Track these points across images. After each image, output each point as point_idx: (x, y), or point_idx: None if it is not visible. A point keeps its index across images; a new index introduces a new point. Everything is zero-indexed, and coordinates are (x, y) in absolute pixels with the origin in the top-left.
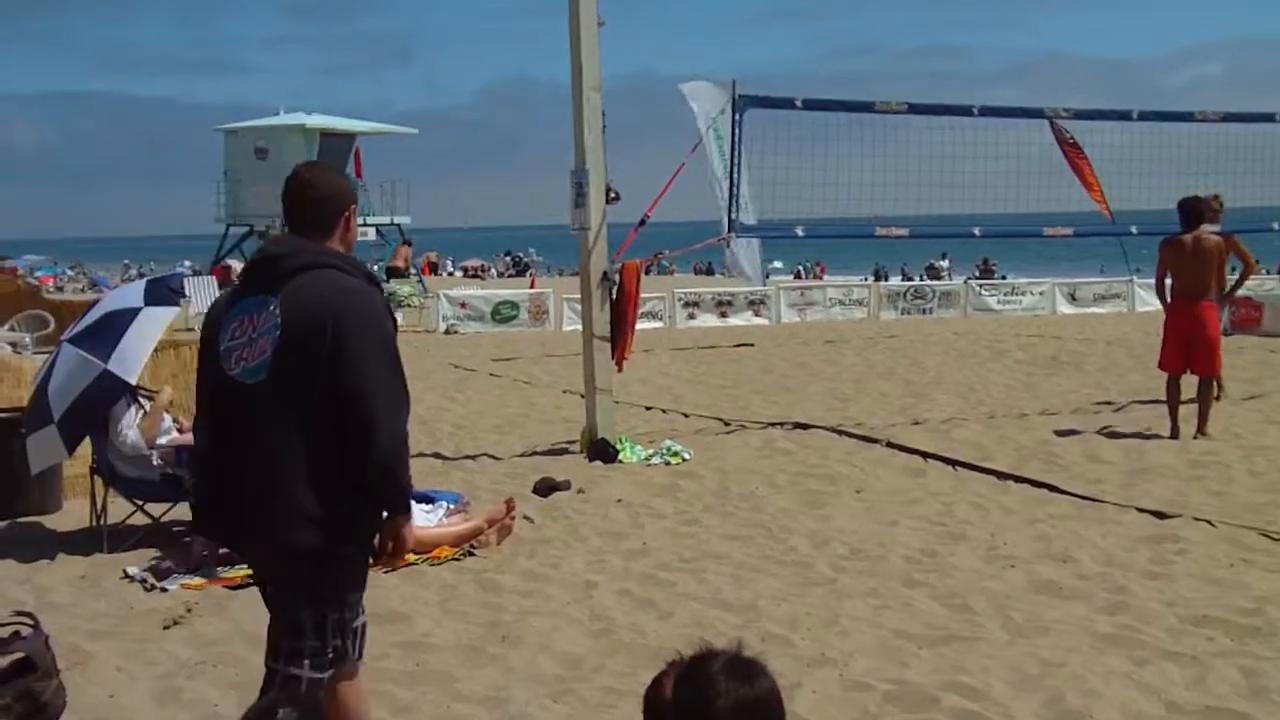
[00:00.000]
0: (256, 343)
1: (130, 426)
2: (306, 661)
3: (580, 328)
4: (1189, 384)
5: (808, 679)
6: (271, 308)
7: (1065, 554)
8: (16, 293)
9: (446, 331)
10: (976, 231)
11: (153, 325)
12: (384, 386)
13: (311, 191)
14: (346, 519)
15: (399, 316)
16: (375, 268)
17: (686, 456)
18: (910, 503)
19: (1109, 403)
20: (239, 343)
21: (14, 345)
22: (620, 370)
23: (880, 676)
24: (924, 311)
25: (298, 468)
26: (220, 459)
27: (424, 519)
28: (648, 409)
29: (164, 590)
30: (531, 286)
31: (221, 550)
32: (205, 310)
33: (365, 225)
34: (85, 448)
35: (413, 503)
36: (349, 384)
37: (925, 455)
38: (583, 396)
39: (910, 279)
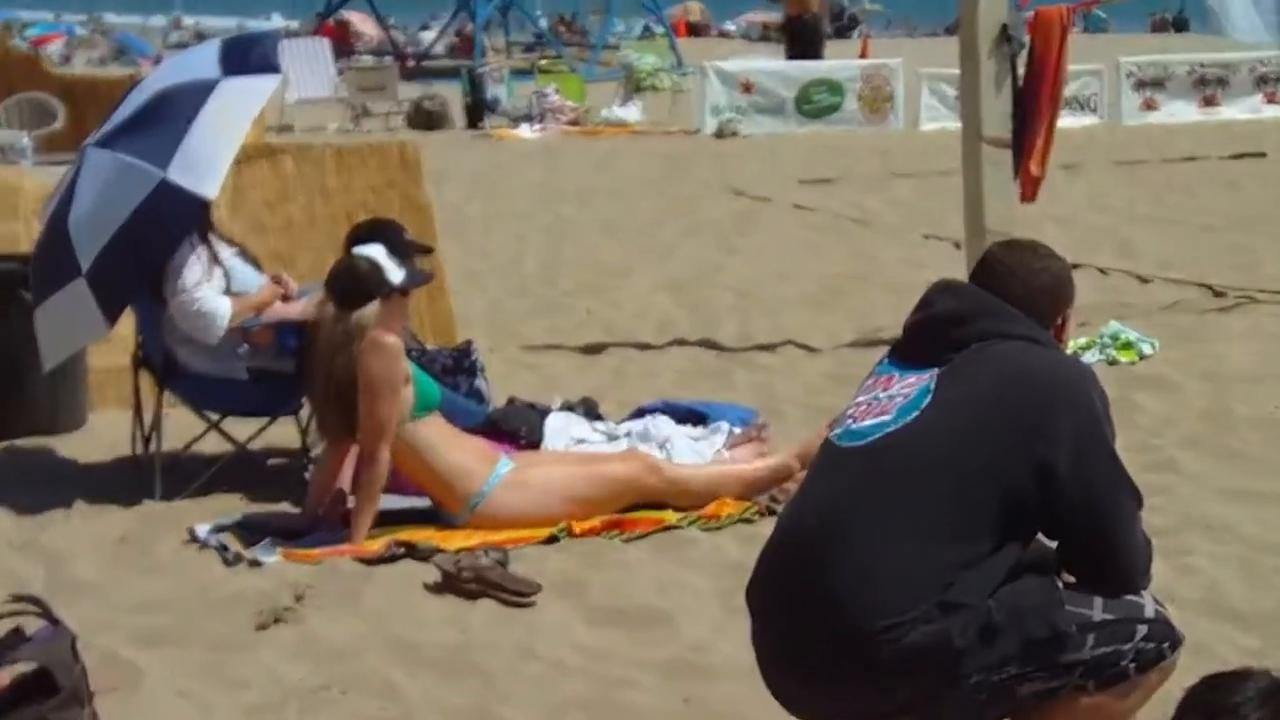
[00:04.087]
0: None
1: (203, 285)
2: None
3: (952, 125)
4: None
5: None
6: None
7: None
8: (2, 63)
9: (719, 133)
10: None
11: (239, 107)
12: None
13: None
14: None
15: (636, 108)
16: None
17: (1147, 350)
18: None
19: None
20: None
21: (2, 150)
22: (1031, 198)
23: None
24: None
25: None
26: None
27: (691, 452)
28: (1075, 268)
29: (256, 564)
30: (863, 55)
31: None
32: (308, 95)
33: None
34: (124, 326)
35: (673, 425)
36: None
37: None
38: (957, 245)
39: None
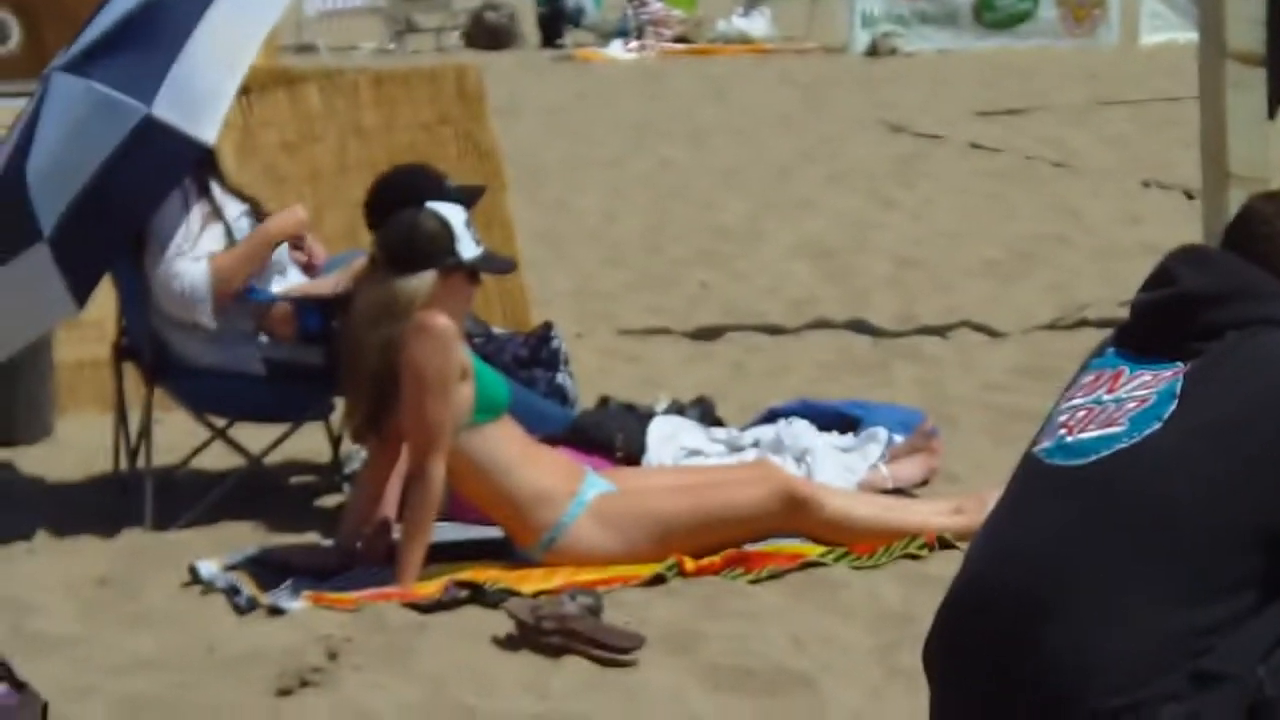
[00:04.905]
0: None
1: (190, 253)
2: None
3: (1184, 37)
4: None
5: None
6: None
7: None
8: None
9: (873, 50)
10: None
11: (246, 20)
12: None
13: None
14: None
15: (764, 19)
16: None
17: None
18: None
19: None
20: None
21: None
22: None
23: None
24: None
25: None
26: None
27: (838, 468)
28: None
29: (277, 612)
30: None
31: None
32: (335, 5)
33: None
34: (103, 307)
35: (815, 433)
36: None
37: None
38: (1190, 196)
39: None
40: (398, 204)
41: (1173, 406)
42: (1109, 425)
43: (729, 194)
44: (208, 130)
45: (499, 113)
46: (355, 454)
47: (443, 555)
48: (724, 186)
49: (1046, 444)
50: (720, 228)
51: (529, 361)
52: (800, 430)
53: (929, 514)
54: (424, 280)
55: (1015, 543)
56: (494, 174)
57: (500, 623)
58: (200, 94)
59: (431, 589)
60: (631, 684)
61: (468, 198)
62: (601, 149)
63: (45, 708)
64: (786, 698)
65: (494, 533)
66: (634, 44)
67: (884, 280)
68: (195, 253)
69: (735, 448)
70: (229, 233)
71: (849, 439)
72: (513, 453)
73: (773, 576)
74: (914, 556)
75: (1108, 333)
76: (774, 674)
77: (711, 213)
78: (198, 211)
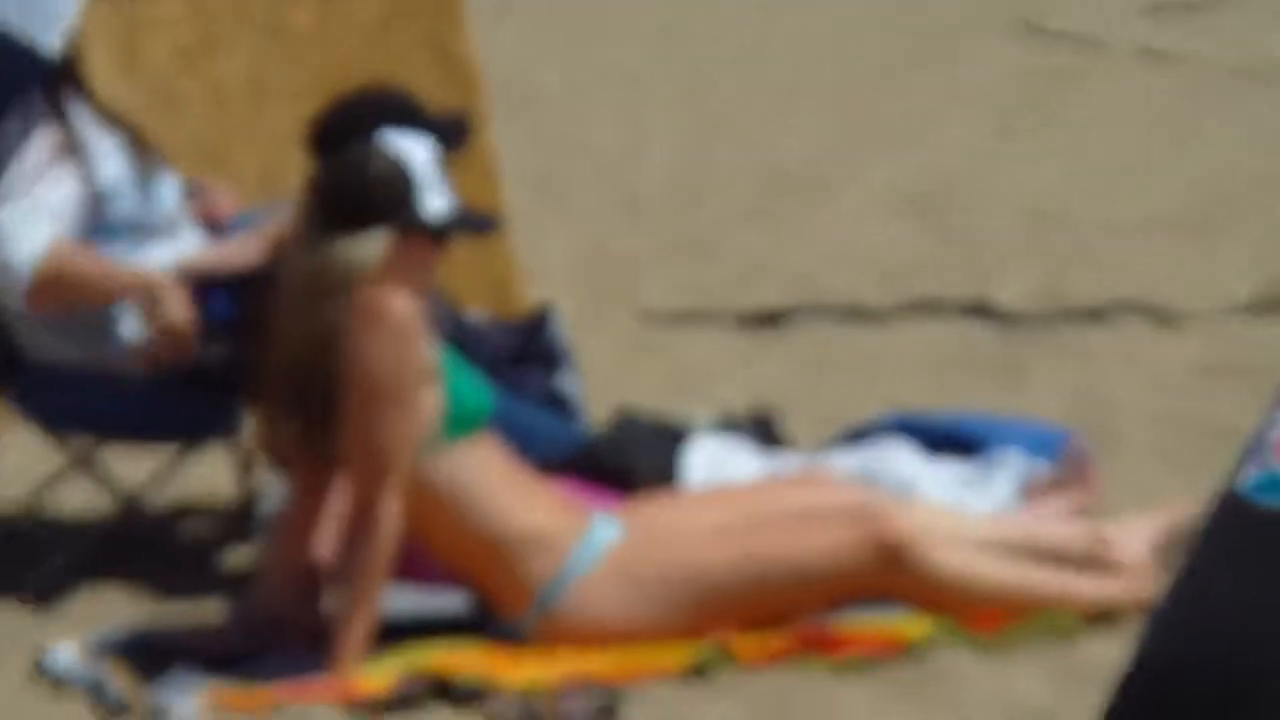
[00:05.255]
0: None
1: (23, 197)
2: None
3: None
4: None
5: None
6: None
7: None
8: None
9: None
10: None
11: None
12: None
13: None
14: None
15: None
16: None
17: None
18: None
19: None
20: None
21: None
22: None
23: None
24: None
25: None
26: None
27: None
28: None
29: (159, 714)
30: None
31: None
32: None
33: None
34: None
35: (918, 460)
36: None
37: None
38: None
39: None
40: (353, 136)
41: None
42: None
43: (794, 124)
44: (51, 34)
45: (479, 12)
46: (273, 488)
47: (396, 631)
48: (787, 113)
49: (1252, 475)
50: (782, 170)
51: (519, 357)
52: (898, 456)
53: (1076, 570)
54: (372, 243)
55: (1213, 614)
56: (472, 97)
57: None
58: None
59: (380, 681)
60: None
61: (451, 131)
62: (618, 63)
63: None
64: None
65: (467, 600)
66: None
67: (1015, 243)
68: (34, 198)
69: None
70: (89, 173)
71: (967, 468)
72: (495, 483)
73: (861, 664)
74: (1062, 633)
75: None
76: None
77: (769, 150)
78: (43, 141)
